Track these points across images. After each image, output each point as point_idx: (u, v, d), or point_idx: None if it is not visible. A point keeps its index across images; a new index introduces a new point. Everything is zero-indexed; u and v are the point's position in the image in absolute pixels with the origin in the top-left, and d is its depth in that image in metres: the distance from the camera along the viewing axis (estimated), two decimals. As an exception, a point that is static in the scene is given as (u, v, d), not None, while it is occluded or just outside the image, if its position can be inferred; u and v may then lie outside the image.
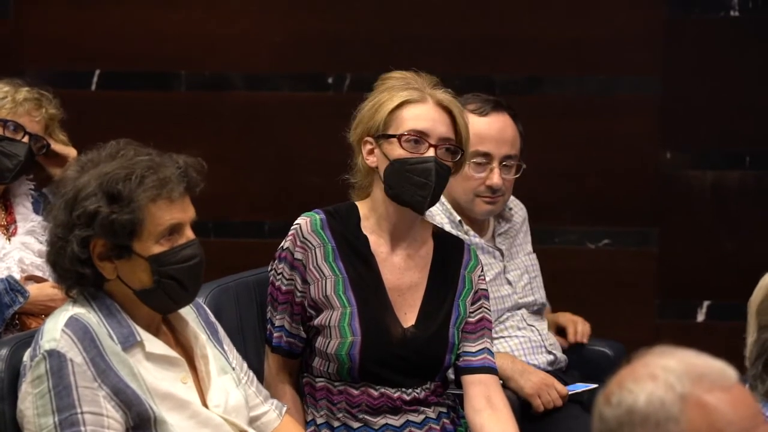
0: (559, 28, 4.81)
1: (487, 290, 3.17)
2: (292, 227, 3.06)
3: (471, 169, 3.50)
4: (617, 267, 4.83)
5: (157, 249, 2.56)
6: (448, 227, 3.53)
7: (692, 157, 4.83)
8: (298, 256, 3.03)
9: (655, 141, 4.81)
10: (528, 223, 3.83)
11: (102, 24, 4.89)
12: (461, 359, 3.09)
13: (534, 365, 3.61)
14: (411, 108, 3.00)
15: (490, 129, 3.53)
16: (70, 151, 3.75)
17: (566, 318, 3.89)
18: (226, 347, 2.78)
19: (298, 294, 3.04)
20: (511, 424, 3.03)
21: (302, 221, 3.06)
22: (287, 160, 4.88)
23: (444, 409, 3.09)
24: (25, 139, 3.67)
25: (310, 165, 4.80)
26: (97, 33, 4.89)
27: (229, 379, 2.71)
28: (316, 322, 3.02)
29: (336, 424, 3.03)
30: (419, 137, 2.98)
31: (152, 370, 2.57)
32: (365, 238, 3.06)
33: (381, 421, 3.02)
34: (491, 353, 3.12)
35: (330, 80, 4.86)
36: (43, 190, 3.81)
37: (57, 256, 2.56)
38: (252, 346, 3.14)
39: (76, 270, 2.54)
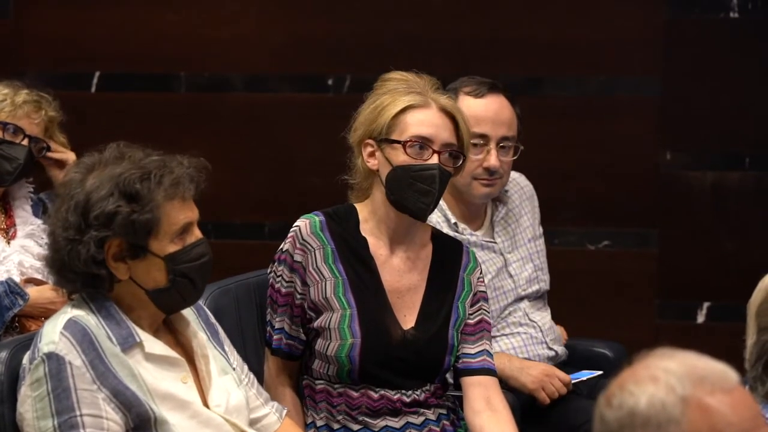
0: (559, 28, 4.81)
1: (486, 292, 3.17)
2: (291, 229, 3.05)
3: (468, 152, 3.47)
4: (617, 268, 4.83)
5: (171, 248, 2.57)
6: (444, 228, 3.52)
7: (692, 157, 4.83)
8: (297, 258, 3.03)
9: (654, 142, 4.81)
10: (536, 201, 3.77)
11: (102, 25, 4.89)
12: (460, 361, 3.09)
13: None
14: (415, 113, 2.99)
15: (486, 110, 3.51)
16: (69, 155, 3.74)
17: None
18: (226, 348, 2.78)
19: (298, 296, 3.03)
20: (511, 426, 3.03)
21: (301, 223, 3.06)
22: (287, 161, 4.88)
23: (444, 411, 3.09)
24: (25, 142, 3.67)
25: (310, 166, 4.80)
26: (97, 34, 4.89)
27: (230, 380, 2.71)
28: (316, 324, 3.02)
29: (336, 426, 3.03)
30: (423, 143, 2.97)
31: (152, 371, 2.57)
32: (364, 240, 3.06)
33: (381, 423, 3.01)
34: (490, 355, 3.11)
35: (330, 82, 4.86)
36: (40, 195, 3.81)
37: (68, 259, 2.55)
38: (252, 348, 3.14)
39: (90, 272, 2.54)
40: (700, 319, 4.84)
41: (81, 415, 2.48)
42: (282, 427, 2.81)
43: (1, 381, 2.59)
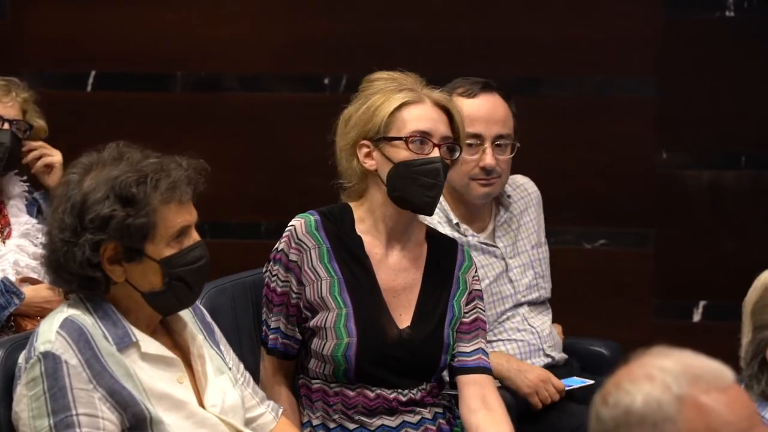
0: (558, 28, 4.81)
1: (481, 291, 3.17)
2: (286, 229, 3.05)
3: (463, 152, 3.44)
4: (614, 267, 4.83)
5: (168, 251, 2.57)
6: (447, 228, 3.52)
7: (689, 157, 4.83)
8: (293, 257, 3.02)
9: (652, 141, 4.81)
10: (540, 208, 3.76)
11: (98, 25, 4.89)
12: (456, 359, 3.09)
13: (530, 368, 3.62)
14: (411, 109, 3.00)
15: (479, 110, 3.50)
16: (56, 158, 3.75)
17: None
18: (222, 348, 2.78)
19: (294, 296, 3.03)
20: (506, 424, 3.03)
21: (297, 222, 3.06)
22: (283, 160, 4.88)
23: (440, 410, 3.09)
24: (6, 126, 3.68)
25: (307, 166, 4.79)
26: (94, 34, 4.89)
27: (225, 380, 2.71)
28: (312, 323, 3.02)
29: (332, 425, 3.03)
30: (424, 138, 2.98)
31: (148, 371, 2.56)
32: (360, 239, 3.06)
33: (377, 422, 3.01)
34: (486, 353, 3.12)
35: (326, 81, 4.86)
36: (35, 194, 3.81)
37: (64, 260, 2.55)
38: (248, 347, 3.14)
39: (86, 274, 2.54)
40: (697, 318, 4.84)
41: (77, 415, 2.47)
42: (278, 426, 2.81)
43: (-4, 380, 2.59)
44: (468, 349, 3.09)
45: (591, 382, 3.58)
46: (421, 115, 2.99)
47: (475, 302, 3.13)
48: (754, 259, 2.87)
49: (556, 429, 3.48)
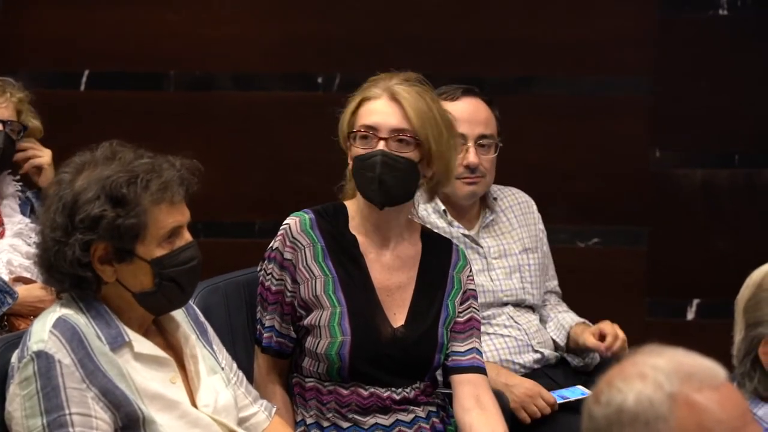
0: (551, 28, 4.80)
1: (475, 290, 3.17)
2: (281, 227, 3.06)
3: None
4: (608, 266, 4.83)
5: (158, 252, 2.56)
6: (433, 217, 3.55)
7: (682, 155, 4.83)
8: (287, 256, 3.03)
9: (645, 140, 4.81)
10: (535, 220, 3.80)
11: (92, 24, 4.88)
12: (450, 359, 3.09)
13: (520, 364, 3.61)
14: (367, 105, 3.01)
15: (462, 112, 3.54)
16: (44, 159, 3.74)
17: (608, 328, 3.67)
18: (215, 347, 2.78)
19: (288, 294, 3.03)
20: (500, 424, 3.03)
21: (291, 221, 3.06)
22: (277, 159, 4.88)
23: (434, 409, 3.09)
24: (0, 127, 3.67)
25: (301, 164, 4.79)
26: (88, 33, 4.88)
27: (218, 379, 2.70)
28: (306, 322, 3.02)
29: (326, 424, 3.03)
30: (368, 132, 2.98)
31: (141, 371, 2.56)
32: (354, 238, 3.06)
33: (371, 420, 3.01)
34: (480, 353, 3.12)
35: (320, 80, 4.86)
36: (27, 194, 3.81)
37: (55, 259, 2.54)
38: (241, 346, 3.14)
39: (76, 273, 2.54)
40: (690, 316, 4.85)
41: (70, 414, 2.47)
42: (271, 425, 2.81)
43: (-11, 379, 2.58)
44: (462, 349, 3.09)
45: (588, 394, 3.56)
46: (372, 110, 3.00)
47: (469, 302, 3.13)
48: (748, 258, 2.86)
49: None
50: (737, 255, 4.66)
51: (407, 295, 3.07)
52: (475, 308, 3.14)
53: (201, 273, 2.70)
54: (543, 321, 3.76)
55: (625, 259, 4.83)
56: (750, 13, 4.76)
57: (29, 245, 3.61)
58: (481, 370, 3.09)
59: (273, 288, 3.04)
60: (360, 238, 3.07)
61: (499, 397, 3.23)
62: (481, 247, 3.68)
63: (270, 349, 3.08)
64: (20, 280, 3.62)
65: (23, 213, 3.76)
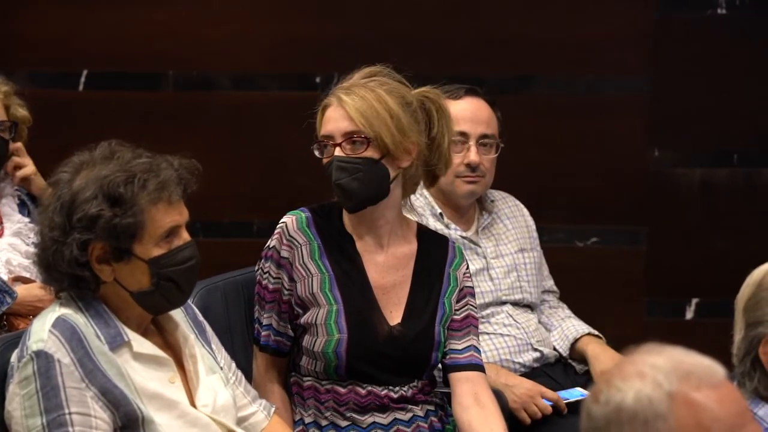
0: (549, 27, 4.81)
1: (472, 288, 3.17)
2: (277, 226, 3.06)
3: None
4: (606, 265, 4.83)
5: (156, 251, 2.56)
6: (430, 220, 3.56)
7: (681, 155, 4.84)
8: (284, 254, 3.03)
9: (644, 139, 4.81)
10: (527, 222, 3.81)
11: (90, 24, 4.88)
12: (448, 357, 3.09)
13: (520, 363, 3.61)
14: (324, 113, 3.03)
15: (464, 111, 3.59)
16: (28, 170, 3.73)
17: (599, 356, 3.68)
18: (214, 347, 2.78)
19: (285, 292, 3.03)
20: (499, 421, 3.03)
21: (288, 219, 3.06)
22: (275, 159, 4.88)
23: (432, 407, 3.09)
24: None
25: (299, 165, 4.78)
26: (85, 33, 4.88)
27: (217, 379, 2.71)
28: (303, 320, 3.02)
29: (324, 423, 3.03)
30: (327, 141, 3.00)
31: (140, 370, 2.56)
32: (349, 236, 3.07)
33: (369, 419, 3.02)
34: (478, 350, 3.12)
35: (318, 80, 4.86)
36: (26, 194, 3.80)
37: (53, 259, 2.55)
38: (240, 346, 3.14)
39: (74, 273, 2.54)
40: (689, 315, 4.85)
41: (69, 413, 2.47)
42: (270, 425, 2.81)
43: (-11, 379, 2.58)
44: (460, 347, 3.10)
45: (587, 394, 3.55)
46: (326, 118, 3.01)
47: (466, 299, 3.13)
48: (747, 257, 2.86)
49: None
50: (736, 254, 4.66)
51: (403, 293, 3.07)
52: (472, 306, 3.14)
53: (199, 272, 2.70)
54: (545, 326, 3.77)
55: (623, 258, 4.84)
56: (748, 12, 4.76)
57: (28, 245, 3.60)
58: (479, 367, 3.09)
59: (270, 286, 3.04)
60: (355, 237, 3.07)
61: (499, 396, 3.23)
62: (480, 246, 3.68)
63: (268, 348, 3.08)
64: (19, 279, 3.62)
65: (22, 212, 3.75)
